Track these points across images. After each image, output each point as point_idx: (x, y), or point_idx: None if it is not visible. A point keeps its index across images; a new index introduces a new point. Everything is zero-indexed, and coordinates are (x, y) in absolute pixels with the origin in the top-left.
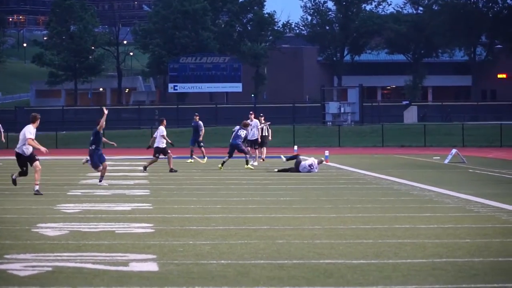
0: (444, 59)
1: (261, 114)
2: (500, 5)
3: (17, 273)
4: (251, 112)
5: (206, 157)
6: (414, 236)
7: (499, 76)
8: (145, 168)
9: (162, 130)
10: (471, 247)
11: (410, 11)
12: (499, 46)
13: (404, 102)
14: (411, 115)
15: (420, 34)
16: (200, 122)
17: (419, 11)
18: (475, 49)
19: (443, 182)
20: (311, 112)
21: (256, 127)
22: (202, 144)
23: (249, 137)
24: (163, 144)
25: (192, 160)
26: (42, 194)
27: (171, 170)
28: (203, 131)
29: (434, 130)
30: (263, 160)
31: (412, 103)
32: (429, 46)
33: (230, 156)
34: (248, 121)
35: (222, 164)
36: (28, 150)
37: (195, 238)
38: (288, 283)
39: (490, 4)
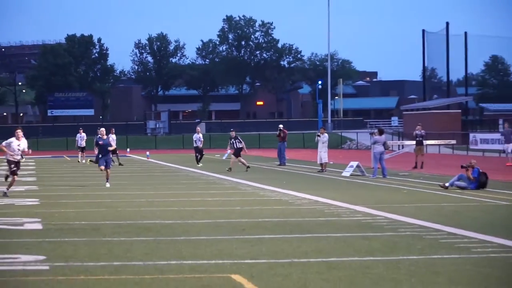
0: (223, 93)
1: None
2: (258, 58)
3: None
4: (100, 128)
5: None
6: (204, 205)
7: (258, 103)
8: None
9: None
10: (241, 212)
11: (201, 62)
12: (258, 84)
13: (197, 120)
14: (202, 128)
15: (207, 76)
16: None
17: (206, 61)
18: (242, 85)
19: (222, 171)
20: (137, 127)
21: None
22: None
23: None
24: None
25: None
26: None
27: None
28: None
29: (217, 138)
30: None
31: (202, 121)
32: (213, 84)
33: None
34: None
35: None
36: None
37: (67, 207)
38: (124, 236)
39: (252, 57)
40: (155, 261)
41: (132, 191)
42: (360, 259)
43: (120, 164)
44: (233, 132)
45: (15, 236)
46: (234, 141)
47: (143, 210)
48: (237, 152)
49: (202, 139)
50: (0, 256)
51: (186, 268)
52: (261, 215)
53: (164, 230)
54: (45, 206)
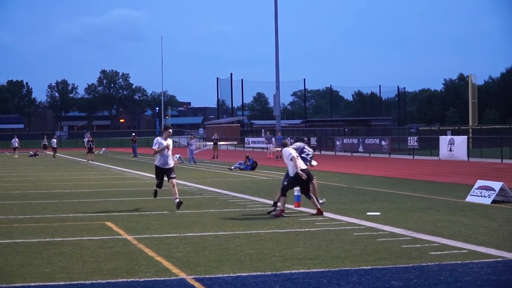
0: (100, 114)
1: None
2: (121, 94)
3: None
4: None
5: None
6: (88, 180)
7: (121, 120)
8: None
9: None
10: (111, 184)
11: (87, 96)
12: (121, 109)
13: (85, 131)
14: (87, 136)
15: (91, 105)
16: None
17: (90, 96)
18: (111, 110)
19: (99, 161)
20: (50, 135)
21: None
22: None
23: None
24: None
25: None
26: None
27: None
28: None
29: (96, 141)
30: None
31: (88, 131)
32: (94, 109)
33: None
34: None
35: None
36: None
37: (6, 183)
38: (41, 199)
39: (117, 93)
40: (60, 214)
41: (47, 172)
42: (182, 212)
43: (54, 156)
44: (91, 137)
45: None
46: (91, 143)
47: (53, 185)
48: (91, 149)
49: (93, 142)
50: None
51: (78, 218)
52: (122, 186)
53: (65, 196)
54: None
